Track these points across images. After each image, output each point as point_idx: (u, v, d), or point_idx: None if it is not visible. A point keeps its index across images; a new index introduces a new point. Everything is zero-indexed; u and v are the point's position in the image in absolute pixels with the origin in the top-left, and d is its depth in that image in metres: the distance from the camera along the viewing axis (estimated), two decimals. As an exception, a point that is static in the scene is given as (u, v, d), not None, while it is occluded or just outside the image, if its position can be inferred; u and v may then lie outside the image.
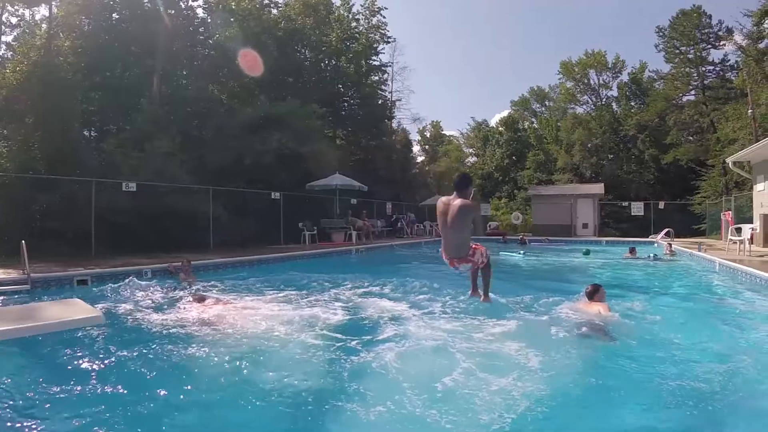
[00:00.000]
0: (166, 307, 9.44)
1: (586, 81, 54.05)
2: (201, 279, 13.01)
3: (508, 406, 4.77)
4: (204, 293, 10.53)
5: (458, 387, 5.28)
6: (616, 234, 37.01)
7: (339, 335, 7.21)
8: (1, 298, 10.43)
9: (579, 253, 22.84)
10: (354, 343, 6.87)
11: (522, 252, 23.41)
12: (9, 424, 4.41)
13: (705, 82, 45.48)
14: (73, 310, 5.38)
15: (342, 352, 6.55)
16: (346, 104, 41.33)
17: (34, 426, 4.36)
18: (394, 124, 47.05)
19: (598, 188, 39.49)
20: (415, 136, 54.98)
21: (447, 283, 10.86)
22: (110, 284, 11.75)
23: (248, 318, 8.53)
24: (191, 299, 9.86)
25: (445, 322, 7.92)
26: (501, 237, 32.16)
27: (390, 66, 45.52)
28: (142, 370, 6.06)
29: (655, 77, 50.79)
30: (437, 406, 4.79)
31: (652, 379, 5.61)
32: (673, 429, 4.58)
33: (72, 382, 5.44)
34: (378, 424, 4.55)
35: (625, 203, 38.32)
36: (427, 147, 58.69)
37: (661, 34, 47.28)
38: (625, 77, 53.04)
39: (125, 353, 6.52)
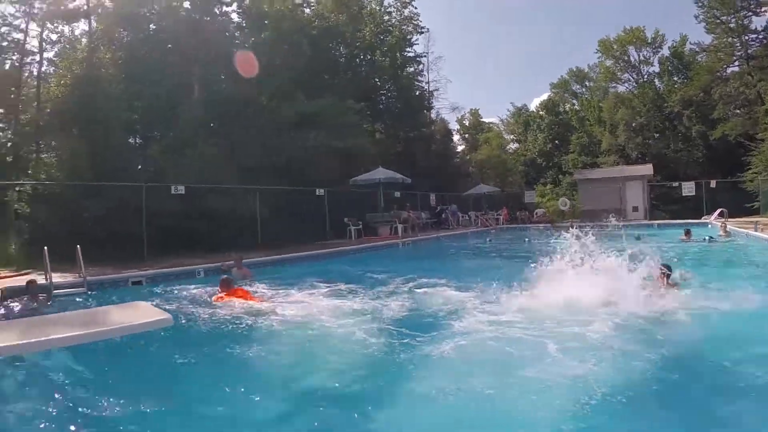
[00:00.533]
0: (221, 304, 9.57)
1: (626, 58, 52.67)
2: (256, 277, 13.11)
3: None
4: (229, 277, 10.77)
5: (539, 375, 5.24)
6: (666, 216, 35.69)
7: (404, 329, 7.18)
8: (61, 300, 10.67)
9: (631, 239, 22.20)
10: (423, 334, 6.86)
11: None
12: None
13: (749, 51, 43.46)
14: (141, 313, 5.40)
15: (406, 343, 6.56)
16: (383, 98, 41.25)
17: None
18: (433, 115, 46.80)
19: (647, 169, 38.51)
20: (454, 126, 54.51)
21: (498, 273, 10.71)
22: (163, 285, 11.98)
23: (309, 311, 8.62)
24: (219, 289, 10.11)
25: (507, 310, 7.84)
26: (549, 224, 31.58)
27: (425, 56, 45.23)
28: (218, 365, 6.21)
29: (697, 50, 48.76)
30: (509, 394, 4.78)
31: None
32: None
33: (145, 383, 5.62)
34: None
35: (675, 184, 37.24)
36: (466, 136, 58.11)
37: (700, 3, 45.55)
38: (666, 52, 51.31)
39: (197, 352, 6.70)
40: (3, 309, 9.74)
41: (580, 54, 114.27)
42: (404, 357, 6.10)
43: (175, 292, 11.26)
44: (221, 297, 9.80)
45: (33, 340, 4.78)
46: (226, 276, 11.06)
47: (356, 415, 4.68)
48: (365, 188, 28.24)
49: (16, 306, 10.10)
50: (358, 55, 39.77)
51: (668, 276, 8.97)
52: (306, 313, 8.52)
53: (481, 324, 7.29)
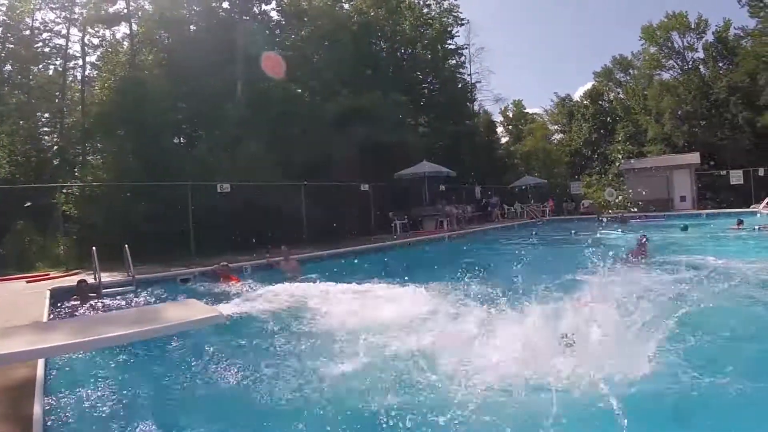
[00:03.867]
0: (268, 299, 9.52)
1: (669, 45, 51.24)
2: (305, 271, 13.03)
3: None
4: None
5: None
6: (714, 206, 34.60)
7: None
8: (111, 299, 10.70)
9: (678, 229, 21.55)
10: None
11: (620, 230, 22.35)
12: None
13: (795, 34, 42.33)
14: (193, 310, 5.33)
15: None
16: (426, 91, 40.85)
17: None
18: (476, 107, 46.39)
19: (694, 158, 37.46)
20: (497, 117, 53.93)
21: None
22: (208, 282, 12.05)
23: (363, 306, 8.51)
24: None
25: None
26: (595, 216, 31.00)
27: (466, 48, 44.87)
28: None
29: (742, 34, 47.35)
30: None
31: None
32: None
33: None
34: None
35: (723, 172, 36.21)
36: (510, 127, 57.48)
37: (742, -13, 44.50)
38: (710, 37, 49.80)
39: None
40: (54, 309, 9.76)
41: (623, 41, 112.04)
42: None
43: (224, 288, 11.30)
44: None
45: (87, 339, 4.74)
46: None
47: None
48: (410, 182, 27.99)
49: (67, 306, 10.15)
50: (399, 49, 39.53)
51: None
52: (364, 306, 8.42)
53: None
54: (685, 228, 21.33)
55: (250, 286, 11.27)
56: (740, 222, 19.57)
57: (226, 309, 8.47)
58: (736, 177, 34.26)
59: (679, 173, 35.92)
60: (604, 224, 26.42)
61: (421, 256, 15.97)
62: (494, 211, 33.91)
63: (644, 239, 13.58)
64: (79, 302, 10.29)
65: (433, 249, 20.05)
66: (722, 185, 36.80)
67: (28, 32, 26.90)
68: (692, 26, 49.85)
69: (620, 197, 39.38)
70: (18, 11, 25.75)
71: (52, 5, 26.92)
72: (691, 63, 50.77)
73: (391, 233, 23.83)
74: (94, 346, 5.24)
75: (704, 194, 37.83)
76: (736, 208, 29.44)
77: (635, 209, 33.19)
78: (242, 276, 12.70)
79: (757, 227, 19.07)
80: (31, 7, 26.12)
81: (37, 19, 27.12)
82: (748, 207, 28.92)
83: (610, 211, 32.79)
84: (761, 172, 33.03)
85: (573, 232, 23.73)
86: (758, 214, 23.99)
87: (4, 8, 25.94)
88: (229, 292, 10.85)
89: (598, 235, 21.21)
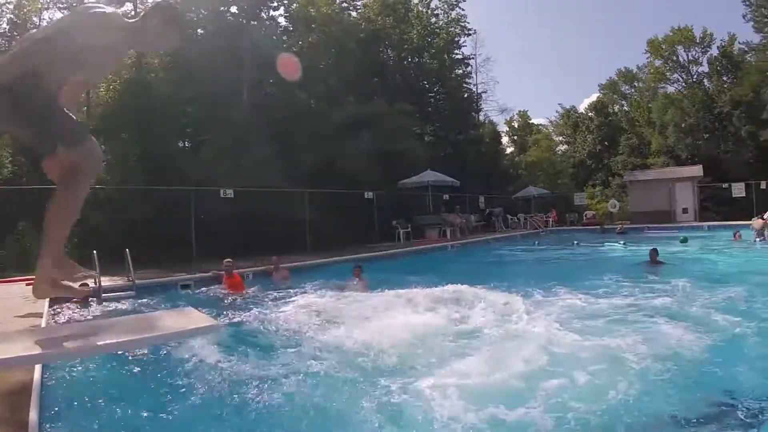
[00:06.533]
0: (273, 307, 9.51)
1: (674, 58, 51.35)
2: (303, 279, 12.97)
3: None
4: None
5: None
6: (716, 218, 34.57)
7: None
8: (111, 304, 10.65)
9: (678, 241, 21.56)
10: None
11: (623, 242, 22.51)
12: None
13: (799, 50, 42.34)
14: (190, 319, 5.28)
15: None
16: (432, 100, 40.89)
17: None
18: (481, 117, 46.38)
19: (696, 170, 37.42)
20: (502, 128, 53.92)
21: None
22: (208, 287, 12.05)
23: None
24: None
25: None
26: (598, 226, 31.01)
27: (473, 58, 44.86)
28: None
29: (746, 49, 47.73)
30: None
31: None
32: None
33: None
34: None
35: (725, 185, 36.08)
36: (515, 137, 57.49)
37: (747, 2, 44.39)
38: (714, 51, 49.90)
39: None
40: (53, 313, 9.69)
41: (629, 54, 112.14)
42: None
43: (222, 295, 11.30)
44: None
45: (82, 346, 4.68)
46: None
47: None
48: (414, 191, 27.93)
49: (65, 310, 10.08)
50: (406, 58, 39.60)
51: None
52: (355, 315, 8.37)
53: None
54: (684, 240, 21.34)
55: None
56: (737, 234, 20.21)
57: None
58: (738, 190, 34.15)
59: (681, 186, 35.85)
60: (604, 235, 26.53)
61: (423, 265, 15.89)
62: (499, 219, 33.79)
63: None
64: (78, 307, 10.22)
65: (436, 258, 19.95)
66: (724, 198, 36.63)
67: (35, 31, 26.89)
68: (697, 40, 50.11)
69: (621, 209, 39.44)
70: (25, 10, 25.73)
71: (60, 5, 26.90)
72: (695, 77, 51.05)
73: (393, 241, 23.76)
74: (90, 353, 5.20)
75: (707, 206, 37.75)
76: (738, 220, 29.27)
77: (629, 222, 33.23)
78: (244, 282, 12.65)
79: (757, 239, 19.42)
80: (39, 6, 26.10)
81: (44, 19, 27.09)
82: (749, 220, 28.74)
83: (618, 223, 32.72)
84: (763, 185, 32.89)
85: (576, 242, 23.74)
86: (750, 227, 23.41)
87: (11, 6, 25.93)
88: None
89: (604, 246, 21.36)
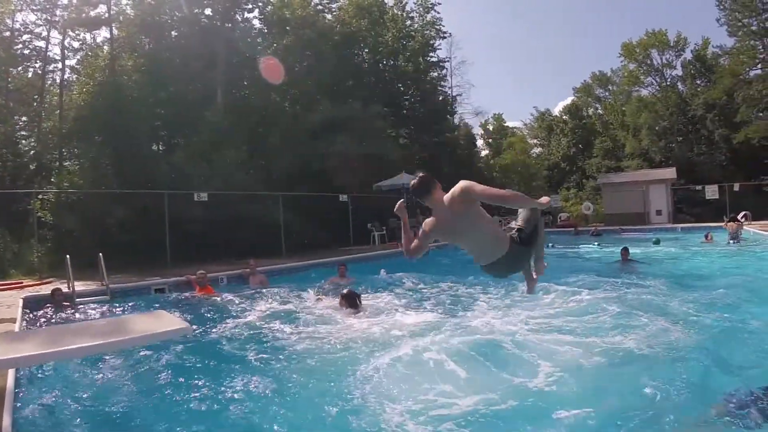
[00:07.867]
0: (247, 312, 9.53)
1: (648, 62, 51.95)
2: (276, 284, 13.00)
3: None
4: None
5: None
6: (690, 220, 34.97)
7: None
8: (85, 309, 10.60)
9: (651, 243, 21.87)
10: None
11: (597, 243, 22.77)
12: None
13: (772, 54, 42.94)
14: (161, 322, 5.36)
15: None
16: (407, 103, 40.90)
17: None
18: (456, 120, 46.49)
19: (670, 173, 37.82)
20: (477, 130, 54.17)
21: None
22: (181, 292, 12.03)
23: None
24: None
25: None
26: (572, 228, 31.27)
27: (448, 61, 45.04)
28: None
29: (720, 53, 48.02)
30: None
31: None
32: None
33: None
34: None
35: (699, 187, 36.50)
36: (490, 140, 57.81)
37: (721, 6, 44.85)
38: (688, 55, 50.57)
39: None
40: (27, 318, 9.63)
41: (603, 58, 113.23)
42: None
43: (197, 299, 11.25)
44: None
45: (55, 350, 4.72)
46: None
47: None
48: (388, 194, 27.96)
49: (39, 315, 10.03)
50: (381, 61, 39.58)
51: None
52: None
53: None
54: (657, 242, 21.65)
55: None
56: (708, 235, 20.68)
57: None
58: (712, 192, 34.52)
59: (655, 188, 36.16)
60: (578, 237, 26.78)
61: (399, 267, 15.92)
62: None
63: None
64: (52, 311, 10.18)
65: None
66: (698, 200, 37.10)
67: (8, 33, 26.48)
68: (671, 44, 50.65)
69: (596, 211, 39.76)
70: (-2, 12, 25.42)
71: (33, 7, 26.64)
72: (669, 80, 51.71)
73: (369, 244, 23.80)
74: (62, 356, 5.23)
75: (680, 208, 38.23)
76: (711, 222, 29.61)
77: (602, 224, 33.54)
78: (218, 287, 12.62)
79: (730, 242, 19.64)
80: (12, 8, 25.79)
81: (17, 21, 26.79)
82: (722, 221, 29.08)
83: (592, 225, 33.05)
84: (736, 187, 33.38)
85: (550, 245, 23.91)
86: (723, 227, 23.65)
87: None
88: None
89: (579, 248, 21.61)
